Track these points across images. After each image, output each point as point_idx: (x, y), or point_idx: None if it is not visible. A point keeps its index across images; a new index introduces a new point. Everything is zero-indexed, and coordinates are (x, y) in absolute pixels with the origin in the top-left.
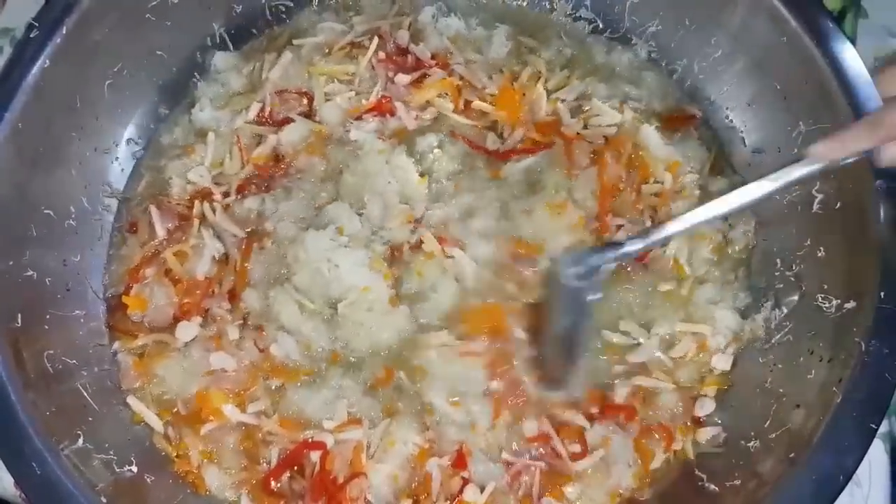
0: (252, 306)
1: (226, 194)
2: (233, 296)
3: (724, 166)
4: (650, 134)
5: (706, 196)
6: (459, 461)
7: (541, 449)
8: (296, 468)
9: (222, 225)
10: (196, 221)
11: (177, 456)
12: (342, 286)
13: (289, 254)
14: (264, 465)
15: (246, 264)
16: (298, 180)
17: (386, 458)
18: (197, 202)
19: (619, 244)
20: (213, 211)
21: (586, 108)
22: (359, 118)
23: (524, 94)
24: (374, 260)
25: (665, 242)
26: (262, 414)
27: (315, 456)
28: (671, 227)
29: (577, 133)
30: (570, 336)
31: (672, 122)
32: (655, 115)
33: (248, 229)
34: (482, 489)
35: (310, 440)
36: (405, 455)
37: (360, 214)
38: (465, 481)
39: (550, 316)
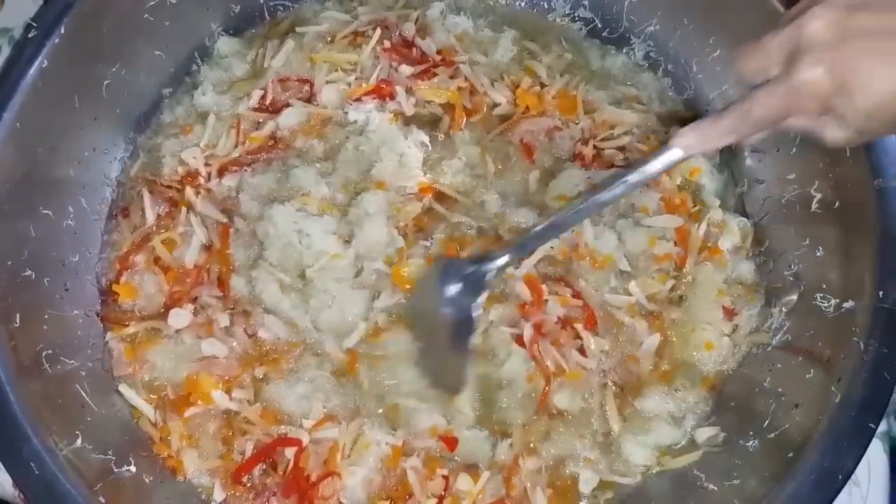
0: (241, 292)
1: (210, 175)
2: (222, 283)
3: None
4: None
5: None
6: (449, 443)
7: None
8: (270, 462)
9: (204, 211)
10: (184, 209)
11: (160, 439)
12: (313, 254)
13: (258, 230)
14: (238, 456)
15: (227, 251)
16: (298, 158)
17: (360, 460)
18: (187, 188)
19: (494, 256)
20: (197, 194)
21: (598, 120)
22: (357, 100)
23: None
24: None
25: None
26: (246, 402)
27: (289, 453)
28: (543, 233)
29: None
30: (456, 345)
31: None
32: (660, 117)
33: (222, 208)
34: (472, 474)
35: (286, 436)
36: (380, 456)
37: (326, 177)
38: (447, 480)
39: (433, 323)
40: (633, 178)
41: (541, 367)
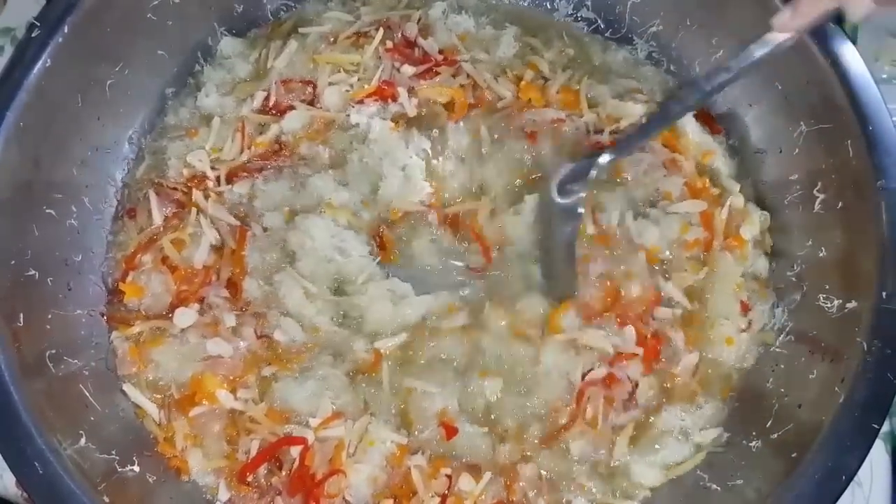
0: (253, 295)
1: (218, 180)
2: (233, 285)
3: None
4: (689, 120)
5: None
6: (448, 430)
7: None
8: (275, 461)
9: (215, 214)
10: (193, 209)
11: (164, 439)
12: (354, 266)
13: (291, 240)
14: (243, 455)
15: (242, 252)
16: (304, 166)
17: (365, 458)
18: (194, 190)
19: (598, 154)
20: (206, 198)
21: (603, 115)
22: (360, 102)
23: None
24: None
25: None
26: (251, 401)
27: (295, 451)
28: (648, 128)
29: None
30: (565, 247)
31: (703, 119)
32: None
33: (236, 214)
34: (474, 475)
35: (291, 435)
36: (384, 454)
37: (344, 185)
38: (450, 479)
39: (546, 234)
40: (736, 63)
41: (577, 410)
